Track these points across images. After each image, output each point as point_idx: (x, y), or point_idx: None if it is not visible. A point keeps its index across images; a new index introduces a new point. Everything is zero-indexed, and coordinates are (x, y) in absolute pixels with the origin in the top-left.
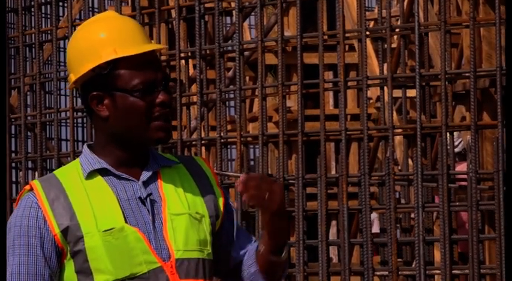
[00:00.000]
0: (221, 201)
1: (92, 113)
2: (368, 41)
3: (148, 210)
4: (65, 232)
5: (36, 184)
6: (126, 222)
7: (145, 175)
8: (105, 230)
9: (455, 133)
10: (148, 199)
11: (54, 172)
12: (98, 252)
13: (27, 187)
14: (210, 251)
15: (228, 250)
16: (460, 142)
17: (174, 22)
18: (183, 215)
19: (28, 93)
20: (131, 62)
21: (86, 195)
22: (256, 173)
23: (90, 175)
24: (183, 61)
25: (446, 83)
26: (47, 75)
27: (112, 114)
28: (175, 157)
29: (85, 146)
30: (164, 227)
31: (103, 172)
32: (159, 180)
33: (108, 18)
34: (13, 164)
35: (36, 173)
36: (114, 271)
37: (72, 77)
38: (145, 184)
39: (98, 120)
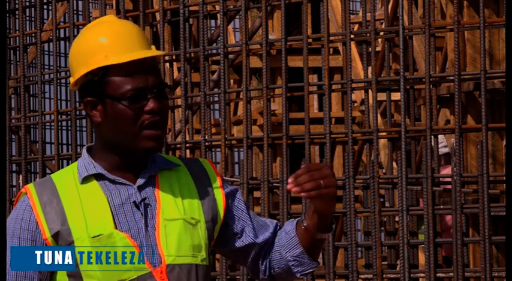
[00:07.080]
0: (221, 205)
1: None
2: (352, 44)
3: (142, 214)
4: (55, 236)
5: (30, 187)
6: (116, 228)
7: (141, 179)
8: (94, 237)
9: (440, 135)
10: (142, 204)
11: (51, 175)
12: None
13: (23, 190)
14: (204, 257)
15: (252, 243)
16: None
17: (158, 25)
18: (177, 220)
19: (12, 96)
20: (122, 69)
21: (79, 200)
22: (300, 168)
23: (85, 180)
24: (167, 64)
25: (431, 86)
26: (31, 78)
27: (103, 121)
28: (179, 159)
29: (84, 148)
30: (157, 232)
31: (98, 177)
32: (156, 184)
33: (107, 23)
34: None
35: (21, 176)
36: (103, 277)
37: (72, 80)
38: (141, 188)
39: (93, 124)
